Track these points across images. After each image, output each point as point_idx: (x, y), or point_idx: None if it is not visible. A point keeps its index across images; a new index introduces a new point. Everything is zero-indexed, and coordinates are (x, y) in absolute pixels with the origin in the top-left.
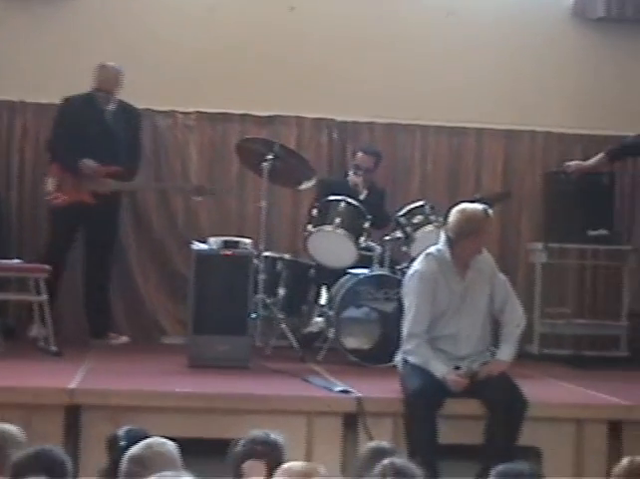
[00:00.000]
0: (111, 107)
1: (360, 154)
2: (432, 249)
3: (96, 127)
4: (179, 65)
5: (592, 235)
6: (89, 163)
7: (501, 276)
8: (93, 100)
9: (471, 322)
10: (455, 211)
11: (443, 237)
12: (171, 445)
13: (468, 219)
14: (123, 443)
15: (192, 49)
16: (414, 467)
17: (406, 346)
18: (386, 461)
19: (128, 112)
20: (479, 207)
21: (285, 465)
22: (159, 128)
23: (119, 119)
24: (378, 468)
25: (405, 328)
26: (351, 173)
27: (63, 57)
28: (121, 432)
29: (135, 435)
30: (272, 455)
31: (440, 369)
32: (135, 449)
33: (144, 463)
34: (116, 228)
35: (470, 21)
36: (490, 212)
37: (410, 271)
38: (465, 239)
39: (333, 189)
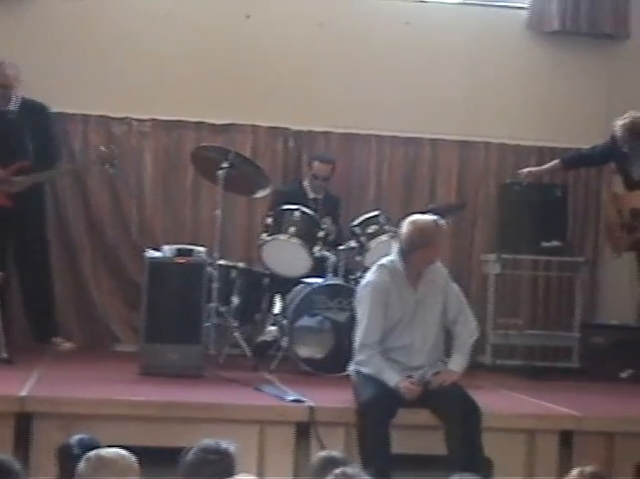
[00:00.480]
0: (12, 106)
1: (317, 163)
2: (384, 261)
3: None
4: (135, 71)
5: (545, 246)
6: None
7: (455, 287)
8: None
9: (423, 333)
10: (406, 222)
11: (395, 248)
12: (128, 456)
13: (419, 230)
14: (76, 452)
15: (148, 55)
16: (365, 477)
17: (358, 357)
18: (337, 470)
19: (32, 108)
20: (430, 218)
21: None
22: (113, 134)
23: (23, 117)
24: (329, 477)
25: (357, 339)
26: (306, 183)
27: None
28: (73, 441)
29: (87, 444)
30: (222, 464)
31: (393, 378)
32: (88, 459)
33: (98, 473)
34: (42, 226)
35: (426, 32)
36: (442, 223)
37: (362, 282)
38: (417, 250)
39: (288, 198)
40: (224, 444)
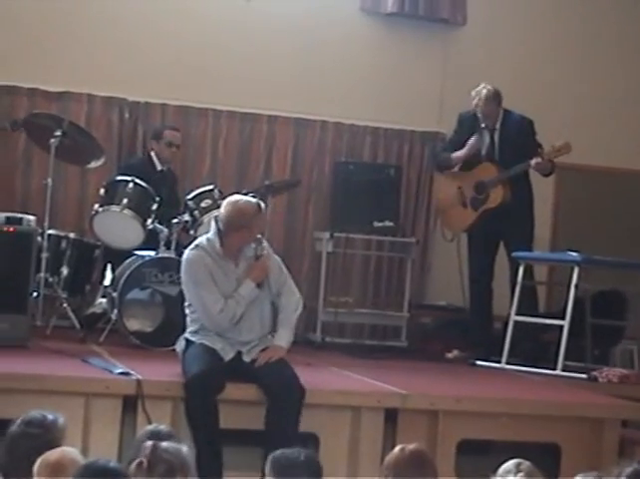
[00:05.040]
0: None
1: (169, 131)
2: (202, 239)
3: None
4: None
5: (378, 226)
6: None
7: (277, 259)
8: None
9: (250, 308)
10: (226, 202)
11: (213, 226)
12: None
13: (239, 212)
14: None
15: None
16: (179, 451)
17: (213, 324)
18: (148, 443)
19: None
20: (252, 200)
21: (42, 457)
22: None
23: None
24: (142, 449)
25: (203, 316)
26: (153, 153)
27: None
28: None
29: None
30: (46, 437)
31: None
32: None
33: None
34: None
35: (267, 10)
36: (263, 206)
37: (182, 263)
38: (234, 231)
39: (136, 170)
40: (50, 416)
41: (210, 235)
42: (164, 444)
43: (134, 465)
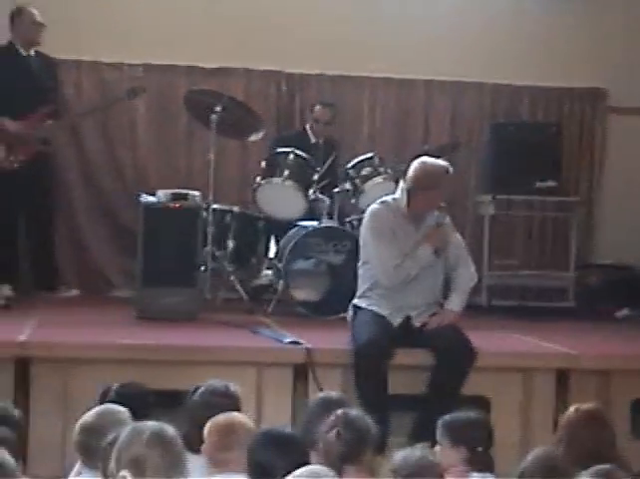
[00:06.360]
0: (32, 54)
1: (318, 107)
2: (387, 198)
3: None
4: (127, 16)
5: (540, 186)
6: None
7: (458, 236)
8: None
9: (423, 273)
10: (416, 162)
11: (400, 186)
12: (123, 411)
13: (427, 172)
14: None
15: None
16: (365, 418)
17: (373, 282)
18: (339, 412)
19: (45, 58)
20: (441, 162)
21: (211, 420)
22: (105, 80)
23: (41, 66)
24: (330, 419)
25: (378, 269)
26: (309, 126)
27: None
28: (113, 386)
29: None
30: (230, 406)
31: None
32: (86, 418)
33: (97, 431)
34: (49, 181)
35: None
36: (451, 168)
37: (366, 216)
38: (421, 192)
39: (290, 143)
40: (232, 387)
41: (397, 194)
42: (354, 412)
43: (329, 435)
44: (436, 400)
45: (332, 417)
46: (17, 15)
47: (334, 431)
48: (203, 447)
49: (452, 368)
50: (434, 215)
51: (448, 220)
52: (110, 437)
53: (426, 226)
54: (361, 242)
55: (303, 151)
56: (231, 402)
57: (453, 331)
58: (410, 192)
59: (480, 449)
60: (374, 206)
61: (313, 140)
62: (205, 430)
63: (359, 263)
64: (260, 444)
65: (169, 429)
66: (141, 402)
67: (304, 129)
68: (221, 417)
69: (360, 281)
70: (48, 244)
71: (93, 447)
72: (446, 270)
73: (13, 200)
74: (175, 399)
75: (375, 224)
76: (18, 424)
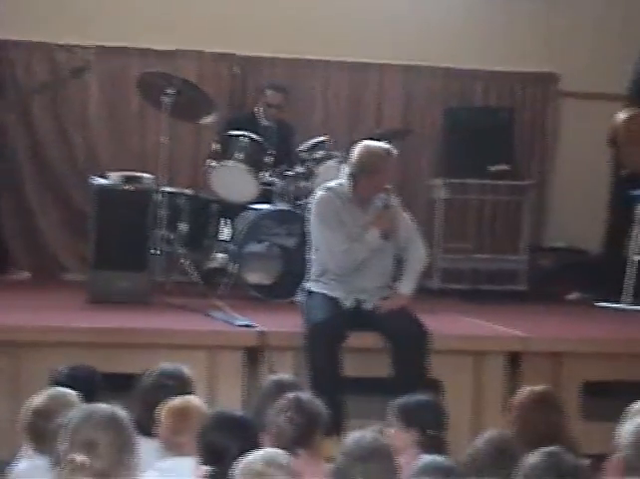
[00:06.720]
0: None
1: (270, 91)
2: (332, 183)
3: None
4: None
5: (492, 170)
6: None
7: (406, 216)
8: None
9: (372, 256)
10: (359, 146)
11: (345, 171)
12: (73, 394)
13: (371, 155)
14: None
15: None
16: (316, 401)
17: (323, 268)
18: (290, 395)
19: None
20: (383, 145)
21: (167, 404)
22: (56, 61)
23: None
24: (280, 402)
25: (326, 255)
26: (260, 109)
27: None
28: (62, 369)
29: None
30: (181, 388)
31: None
32: (35, 401)
33: (46, 414)
34: None
35: None
36: (394, 152)
37: (312, 203)
38: (366, 175)
39: (240, 125)
40: (184, 369)
41: (342, 179)
42: (305, 395)
43: (281, 418)
44: (401, 384)
45: (283, 400)
46: None
47: (285, 414)
48: (158, 430)
49: (409, 352)
50: (381, 197)
51: (395, 201)
52: (59, 420)
53: (373, 208)
54: (308, 230)
55: (254, 134)
56: (183, 385)
57: (404, 315)
58: (354, 176)
59: (431, 432)
60: (319, 192)
61: (264, 123)
62: (161, 414)
63: (310, 247)
64: (212, 426)
65: (121, 412)
66: (90, 385)
67: (253, 111)
68: (176, 401)
69: (311, 265)
70: None
71: (42, 430)
72: (396, 252)
73: None
74: (127, 382)
75: (320, 210)
76: None
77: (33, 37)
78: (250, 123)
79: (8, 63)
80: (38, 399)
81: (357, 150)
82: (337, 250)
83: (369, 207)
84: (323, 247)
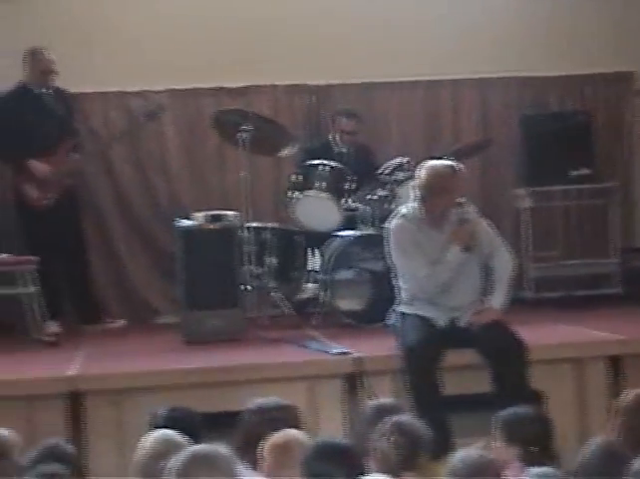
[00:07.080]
0: (50, 91)
1: (343, 119)
2: (404, 209)
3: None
4: (147, 43)
5: (574, 175)
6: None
7: (485, 224)
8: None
9: (459, 273)
10: (423, 168)
11: (413, 194)
12: (179, 436)
13: (436, 176)
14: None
15: (158, 25)
16: (417, 423)
17: (411, 294)
18: (391, 419)
19: (62, 93)
20: (447, 163)
21: (269, 440)
22: (132, 108)
23: (58, 101)
24: (382, 427)
25: (411, 283)
26: (337, 137)
27: None
28: (161, 411)
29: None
30: (289, 421)
31: None
32: (147, 444)
33: (158, 457)
34: (78, 211)
35: None
36: (459, 167)
37: (388, 233)
38: (435, 196)
39: (314, 154)
40: (287, 401)
41: (412, 203)
42: (406, 418)
43: (384, 443)
44: (505, 397)
45: (384, 425)
46: (32, 54)
47: (388, 439)
48: (262, 466)
49: (508, 366)
50: (455, 212)
51: (471, 211)
52: (168, 462)
53: (449, 225)
54: (389, 260)
55: (331, 161)
56: (290, 415)
57: (499, 328)
58: (424, 198)
59: (534, 447)
60: (393, 221)
61: (341, 149)
62: (264, 449)
63: (395, 274)
64: (314, 457)
65: (224, 450)
66: (189, 426)
67: (328, 139)
68: (278, 435)
69: (400, 290)
70: (85, 280)
71: (154, 472)
72: (482, 261)
73: (48, 239)
74: (228, 420)
75: (397, 238)
76: (72, 460)
77: (107, 87)
78: (327, 151)
79: (84, 115)
80: (148, 442)
81: (422, 172)
82: (420, 276)
83: (445, 225)
84: (407, 276)
